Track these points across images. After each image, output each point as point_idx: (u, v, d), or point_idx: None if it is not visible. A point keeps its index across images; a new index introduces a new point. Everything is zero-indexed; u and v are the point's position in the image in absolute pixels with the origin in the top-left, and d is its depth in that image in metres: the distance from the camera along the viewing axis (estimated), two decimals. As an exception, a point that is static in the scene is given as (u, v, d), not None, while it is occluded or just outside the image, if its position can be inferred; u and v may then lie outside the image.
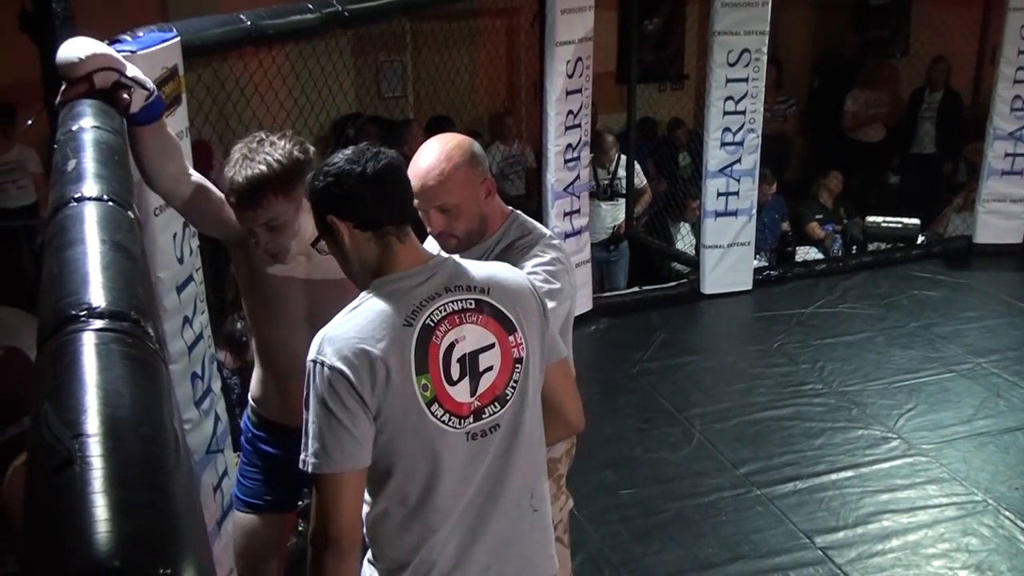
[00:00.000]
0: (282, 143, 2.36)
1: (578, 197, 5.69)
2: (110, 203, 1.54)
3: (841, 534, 3.77)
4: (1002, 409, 4.70)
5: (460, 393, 1.93)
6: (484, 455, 1.97)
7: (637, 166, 6.87)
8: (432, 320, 1.90)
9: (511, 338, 1.99)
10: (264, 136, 2.38)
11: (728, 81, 5.86)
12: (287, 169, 2.32)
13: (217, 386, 3.13)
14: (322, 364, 1.85)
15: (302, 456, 1.86)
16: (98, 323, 1.13)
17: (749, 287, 6.28)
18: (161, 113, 2.24)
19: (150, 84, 2.17)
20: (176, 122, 2.74)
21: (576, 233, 5.74)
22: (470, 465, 1.96)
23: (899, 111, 8.51)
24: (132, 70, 2.13)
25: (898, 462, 4.26)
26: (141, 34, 2.57)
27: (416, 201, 2.32)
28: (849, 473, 4.19)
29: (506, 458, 2.00)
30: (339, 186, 1.90)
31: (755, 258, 6.44)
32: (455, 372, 1.92)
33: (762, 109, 6.01)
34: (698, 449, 4.42)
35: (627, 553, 3.72)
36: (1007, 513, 3.86)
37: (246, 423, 2.80)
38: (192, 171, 2.44)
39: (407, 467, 1.93)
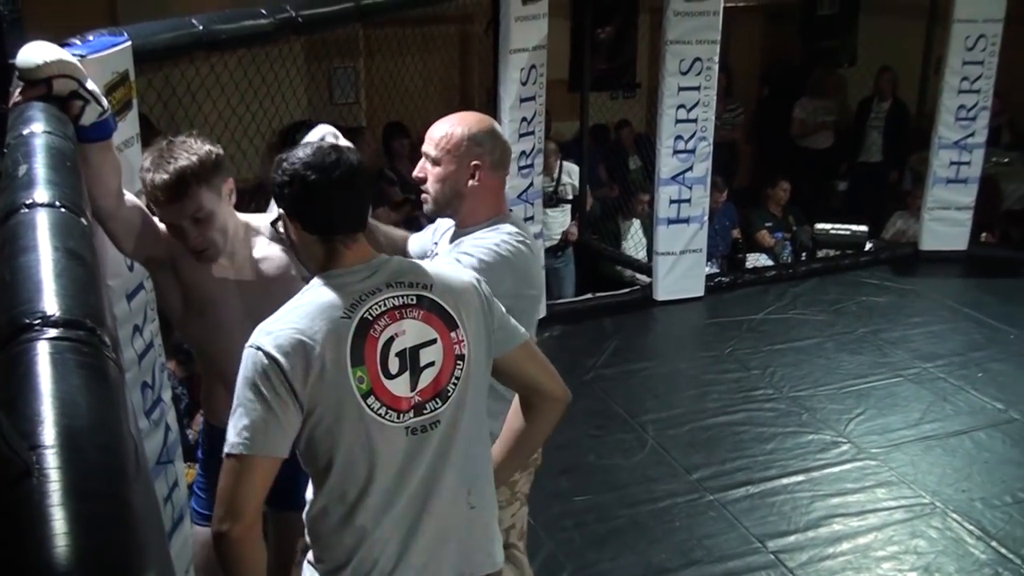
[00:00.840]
0: (191, 140, 2.44)
1: (532, 204, 5.71)
2: (62, 209, 1.52)
3: (792, 538, 3.81)
4: (948, 413, 4.78)
5: (399, 387, 1.94)
6: (424, 450, 1.98)
7: (577, 172, 6.85)
8: (371, 314, 1.92)
9: (453, 334, 2.00)
10: (171, 139, 2.45)
11: (680, 89, 5.90)
12: (204, 161, 2.40)
13: (168, 396, 3.09)
14: (257, 349, 1.87)
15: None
16: (53, 332, 1.11)
17: (701, 294, 6.33)
18: (111, 133, 2.22)
19: (105, 102, 2.16)
20: (127, 128, 2.71)
21: (529, 240, 5.74)
22: (409, 460, 1.96)
23: (847, 120, 8.64)
24: (91, 84, 2.12)
25: (848, 466, 4.32)
26: (91, 38, 2.54)
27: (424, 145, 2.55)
28: (800, 477, 4.23)
29: (445, 455, 2.01)
30: (291, 187, 1.94)
31: (707, 265, 6.49)
32: (393, 366, 1.93)
33: (713, 117, 6.06)
34: (651, 455, 4.44)
35: (581, 560, 3.73)
36: (954, 515, 3.92)
37: (202, 435, 2.78)
38: (125, 191, 2.43)
39: (345, 461, 1.93)
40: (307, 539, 2.05)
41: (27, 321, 1.12)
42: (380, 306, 1.93)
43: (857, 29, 8.87)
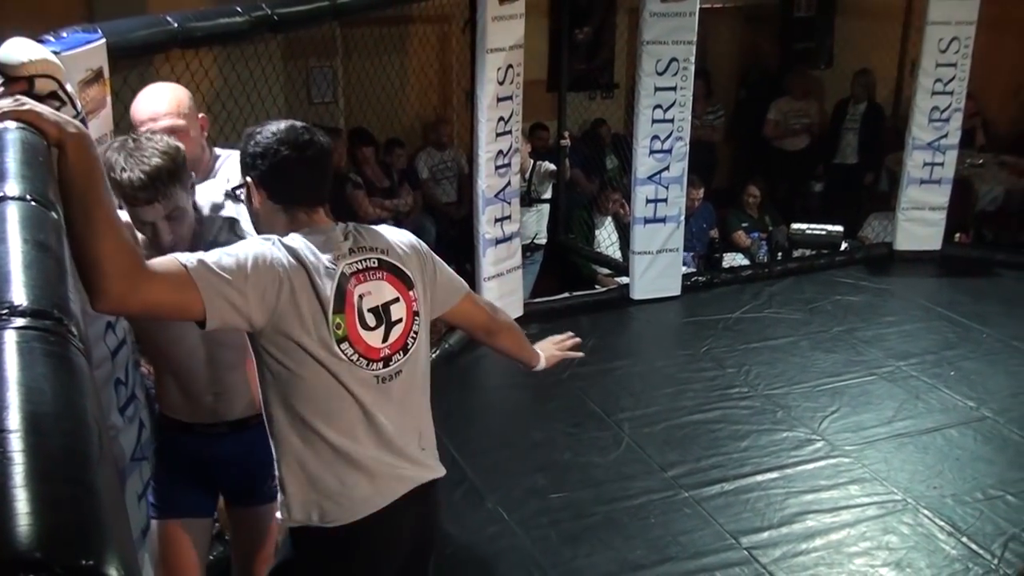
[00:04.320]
0: (157, 138, 2.43)
1: (509, 203, 5.72)
2: (33, 203, 1.52)
3: (766, 534, 3.84)
4: (921, 411, 4.83)
5: (373, 339, 2.12)
6: (387, 398, 2.16)
7: (551, 165, 6.64)
8: (345, 272, 2.08)
9: (411, 293, 2.21)
10: (132, 137, 2.42)
11: (657, 90, 5.93)
12: (175, 159, 2.39)
13: (141, 393, 3.08)
14: (273, 239, 2.05)
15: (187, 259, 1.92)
16: (20, 321, 1.12)
17: (678, 293, 6.36)
18: None
19: (80, 105, 2.17)
20: (100, 126, 2.70)
21: (507, 239, 5.76)
22: (375, 405, 2.14)
23: (824, 122, 8.70)
24: (69, 86, 2.13)
25: (822, 463, 4.35)
26: (65, 35, 2.53)
27: (145, 125, 2.71)
28: (774, 474, 4.26)
29: (403, 402, 2.21)
30: (263, 159, 2.09)
31: (683, 264, 6.52)
32: (370, 320, 2.11)
33: (690, 117, 6.09)
34: (627, 452, 4.46)
35: (556, 556, 3.74)
36: (925, 512, 3.96)
37: (155, 428, 2.83)
38: None
39: (317, 395, 2.08)
40: (281, 488, 2.17)
41: (-6, 311, 1.13)
42: (350, 267, 2.10)
43: (833, 31, 8.95)
